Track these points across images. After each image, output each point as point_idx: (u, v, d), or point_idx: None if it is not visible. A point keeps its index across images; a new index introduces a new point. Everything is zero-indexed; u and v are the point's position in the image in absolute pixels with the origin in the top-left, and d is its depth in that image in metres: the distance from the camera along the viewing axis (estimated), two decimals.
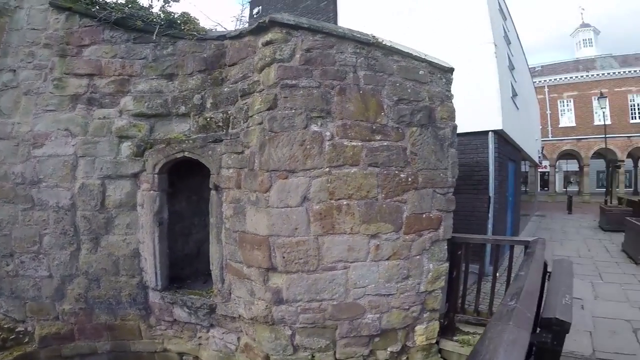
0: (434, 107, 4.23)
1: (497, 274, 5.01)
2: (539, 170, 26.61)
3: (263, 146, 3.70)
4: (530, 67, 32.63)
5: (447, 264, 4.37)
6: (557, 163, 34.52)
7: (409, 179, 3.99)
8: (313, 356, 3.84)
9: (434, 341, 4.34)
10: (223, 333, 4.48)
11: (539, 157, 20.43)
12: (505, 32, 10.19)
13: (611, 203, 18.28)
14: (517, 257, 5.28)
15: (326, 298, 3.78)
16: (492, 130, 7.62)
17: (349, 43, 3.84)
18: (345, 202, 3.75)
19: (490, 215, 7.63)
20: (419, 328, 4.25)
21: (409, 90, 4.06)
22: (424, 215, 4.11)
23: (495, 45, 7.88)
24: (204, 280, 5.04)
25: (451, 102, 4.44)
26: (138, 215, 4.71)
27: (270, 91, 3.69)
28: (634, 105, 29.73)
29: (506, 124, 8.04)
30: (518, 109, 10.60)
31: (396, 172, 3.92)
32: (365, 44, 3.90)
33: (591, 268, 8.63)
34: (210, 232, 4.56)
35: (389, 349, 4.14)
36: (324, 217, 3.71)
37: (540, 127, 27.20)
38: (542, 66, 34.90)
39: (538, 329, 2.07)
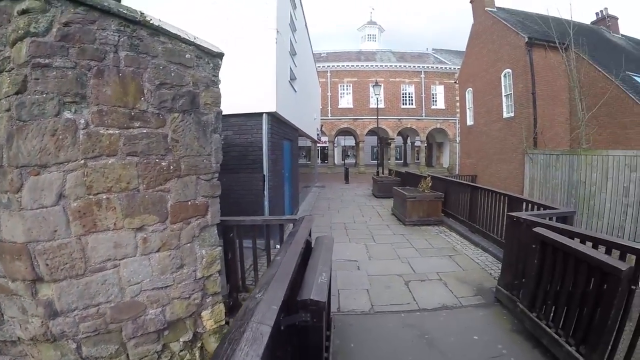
0: (198, 92, 4.11)
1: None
2: (319, 145, 29.49)
3: (11, 138, 3.09)
4: (316, 53, 35.41)
5: (220, 248, 4.41)
6: (336, 139, 38.93)
7: (171, 167, 3.84)
8: None
9: (223, 322, 4.40)
10: None
11: (318, 134, 22.28)
12: (292, 19, 10.60)
13: (383, 174, 20.70)
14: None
15: (102, 301, 3.46)
16: (266, 112, 7.90)
17: (114, 19, 3.41)
18: (105, 197, 3.41)
19: (266, 192, 8.00)
20: (205, 313, 4.24)
21: (173, 74, 3.86)
22: (190, 203, 4.04)
23: (278, 31, 8.12)
24: None
25: (217, 87, 4.38)
26: None
27: (21, 71, 3.06)
28: (405, 94, 35.82)
29: (281, 106, 8.45)
30: (296, 91, 11.28)
31: (157, 160, 3.72)
32: (132, 21, 3.52)
33: (365, 232, 9.58)
34: None
35: (181, 340, 4.05)
36: (83, 215, 3.32)
37: (321, 107, 30.18)
38: (327, 53, 38.57)
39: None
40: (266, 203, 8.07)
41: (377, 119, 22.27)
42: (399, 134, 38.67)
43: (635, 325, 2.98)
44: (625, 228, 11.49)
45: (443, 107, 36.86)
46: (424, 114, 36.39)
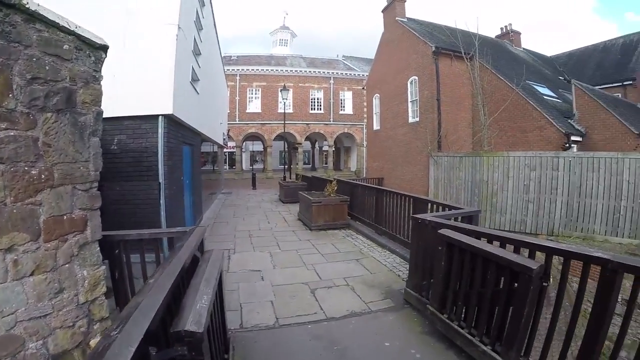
0: (75, 89, 3.56)
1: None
2: (226, 150, 28.73)
3: None
4: (226, 55, 34.63)
5: (104, 267, 3.87)
6: (244, 144, 38.35)
7: (43, 176, 3.27)
8: None
9: None
10: None
11: (225, 139, 21.67)
12: (198, 17, 10.11)
13: (290, 179, 20.72)
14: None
15: None
16: (162, 114, 7.31)
17: None
18: None
19: (163, 202, 7.40)
20: (94, 342, 3.65)
21: (47, 68, 3.30)
22: (66, 217, 3.48)
23: (180, 28, 7.62)
24: None
25: (99, 84, 3.85)
26: None
27: None
28: (314, 99, 36.16)
29: (180, 108, 7.92)
30: (199, 93, 10.71)
31: (26, 168, 3.14)
32: (6, 4, 2.92)
33: (270, 239, 9.26)
34: None
35: None
36: None
37: (229, 111, 29.44)
38: (238, 56, 37.87)
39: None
40: (163, 213, 7.46)
41: (285, 123, 22.22)
42: (307, 138, 39.07)
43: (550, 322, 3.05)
44: (527, 222, 12.63)
45: (351, 112, 37.86)
46: (332, 119, 37.09)
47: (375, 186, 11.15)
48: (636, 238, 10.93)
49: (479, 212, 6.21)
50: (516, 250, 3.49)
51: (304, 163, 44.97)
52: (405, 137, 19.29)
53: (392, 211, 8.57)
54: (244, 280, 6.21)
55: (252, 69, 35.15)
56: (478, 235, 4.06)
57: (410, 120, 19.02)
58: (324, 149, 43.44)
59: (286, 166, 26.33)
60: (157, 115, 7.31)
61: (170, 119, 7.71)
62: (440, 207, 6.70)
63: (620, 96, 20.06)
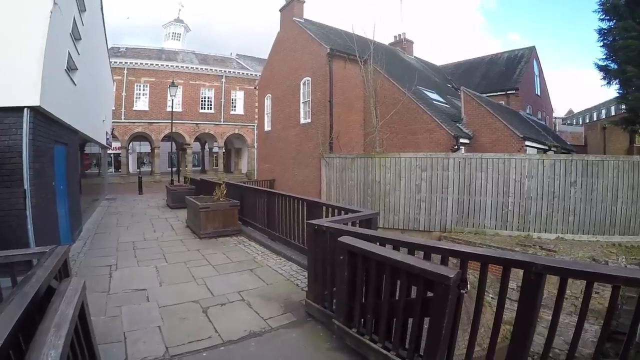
0: None
1: None
2: (110, 152, 26.17)
3: None
4: (114, 46, 31.57)
5: None
6: (131, 145, 35.52)
7: None
8: None
9: None
10: None
11: (108, 138, 19.74)
12: None
13: (178, 182, 19.79)
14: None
15: None
16: (28, 107, 6.07)
17: None
18: None
19: (29, 212, 6.12)
20: None
21: None
22: None
23: (56, 3, 6.54)
24: None
25: None
26: None
27: None
28: (205, 98, 34.95)
29: (52, 100, 6.81)
30: (76, 84, 9.33)
31: None
32: None
33: (157, 251, 8.43)
34: None
35: None
36: None
37: (114, 108, 26.84)
38: (127, 48, 34.99)
39: None
40: (30, 227, 6.19)
41: (172, 122, 20.84)
42: (197, 139, 37.65)
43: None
44: (420, 220, 13.21)
45: (242, 112, 37.04)
46: (222, 120, 36.03)
47: (266, 189, 10.67)
48: (523, 231, 12.05)
49: (377, 214, 5.97)
50: (427, 257, 3.31)
51: (194, 165, 42.90)
52: (297, 138, 19.15)
53: (285, 215, 8.13)
54: (128, 303, 5.36)
55: (142, 63, 32.65)
56: (383, 242, 3.84)
57: (302, 121, 18.92)
58: (214, 150, 41.86)
59: (174, 169, 24.57)
60: (22, 108, 6.06)
61: (38, 113, 6.48)
62: (336, 211, 6.38)
63: (503, 104, 22.27)
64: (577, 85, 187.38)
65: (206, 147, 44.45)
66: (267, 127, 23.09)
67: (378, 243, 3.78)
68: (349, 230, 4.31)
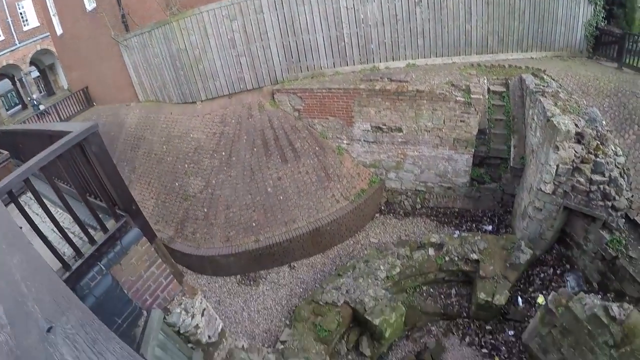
0: None
1: None
2: None
3: None
4: None
5: None
6: None
7: None
8: None
9: None
10: None
11: None
12: None
13: None
14: None
15: None
16: None
17: None
18: None
19: None
20: None
21: None
22: None
23: None
24: None
25: None
26: None
27: None
28: None
29: None
30: None
31: None
32: None
33: None
34: None
35: None
36: None
37: None
38: None
39: None
40: None
41: None
42: (2, 76, 31.07)
43: None
44: (246, 78, 12.05)
45: (38, 24, 30.19)
46: (18, 41, 29.49)
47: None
48: (367, 63, 11.47)
49: (96, 127, 3.51)
50: None
51: (10, 107, 35.53)
52: (89, 30, 15.72)
53: None
54: None
55: None
56: None
57: (88, 8, 15.36)
58: (25, 79, 34.71)
59: None
60: None
61: None
62: None
63: None
64: None
65: (16, 79, 36.59)
66: (58, 30, 19.03)
67: None
68: None
